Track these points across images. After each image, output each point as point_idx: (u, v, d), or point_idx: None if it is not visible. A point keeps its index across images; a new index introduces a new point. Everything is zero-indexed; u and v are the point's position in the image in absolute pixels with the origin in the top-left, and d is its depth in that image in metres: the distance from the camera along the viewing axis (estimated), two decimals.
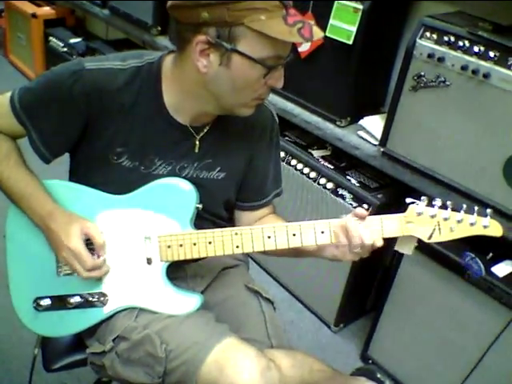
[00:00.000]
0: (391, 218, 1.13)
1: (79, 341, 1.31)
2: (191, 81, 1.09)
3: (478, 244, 1.69)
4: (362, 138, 2.01)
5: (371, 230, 1.11)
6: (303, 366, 1.21)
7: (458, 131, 1.64)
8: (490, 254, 1.69)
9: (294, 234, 1.14)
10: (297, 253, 1.23)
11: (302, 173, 2.19)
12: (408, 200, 1.13)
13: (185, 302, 1.21)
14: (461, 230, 1.11)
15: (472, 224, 1.10)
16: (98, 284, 1.21)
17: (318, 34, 1.02)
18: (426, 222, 1.12)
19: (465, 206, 1.11)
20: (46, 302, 1.22)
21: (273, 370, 1.11)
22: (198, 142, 1.21)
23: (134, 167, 1.18)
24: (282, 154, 2.26)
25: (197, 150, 1.21)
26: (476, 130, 1.60)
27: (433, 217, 1.11)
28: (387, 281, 1.95)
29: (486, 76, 1.53)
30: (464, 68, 1.57)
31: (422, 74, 1.67)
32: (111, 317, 1.22)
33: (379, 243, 1.12)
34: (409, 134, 1.78)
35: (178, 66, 1.11)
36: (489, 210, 1.10)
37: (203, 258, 1.28)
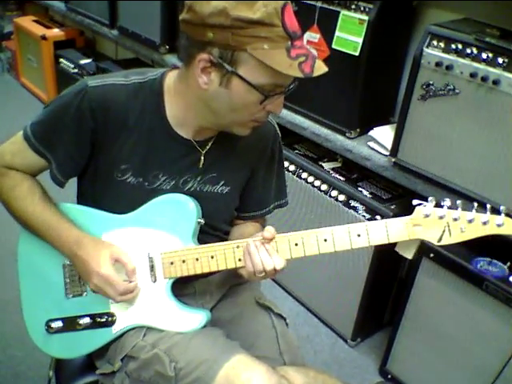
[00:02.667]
0: (397, 222, 1.09)
1: (91, 363, 1.30)
2: (193, 95, 1.10)
3: (495, 253, 1.67)
4: (373, 149, 1.99)
5: (272, 253, 1.10)
6: (317, 382, 1.19)
7: (470, 139, 1.62)
8: (508, 263, 1.65)
9: (296, 244, 1.13)
10: None
11: (313, 185, 2.17)
12: (414, 202, 1.09)
13: (190, 318, 1.20)
14: (472, 230, 1.05)
15: (485, 223, 1.04)
16: (106, 304, 1.21)
17: (319, 69, 1.02)
18: (434, 223, 1.07)
19: (476, 204, 1.05)
20: (57, 324, 1.23)
21: None
22: (202, 158, 1.21)
23: (138, 183, 1.19)
24: (293, 168, 2.26)
25: (201, 166, 1.22)
26: (488, 136, 1.58)
27: (441, 218, 1.06)
28: (403, 293, 1.91)
29: (496, 82, 1.51)
30: (473, 75, 1.55)
31: (431, 82, 1.66)
32: (120, 337, 1.22)
33: (280, 266, 1.10)
34: (420, 143, 1.76)
35: (182, 79, 1.12)
36: (503, 207, 1.04)
37: (212, 274, 1.29)
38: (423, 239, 1.09)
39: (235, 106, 1.06)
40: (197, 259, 1.16)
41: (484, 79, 1.53)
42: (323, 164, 2.24)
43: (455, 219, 1.06)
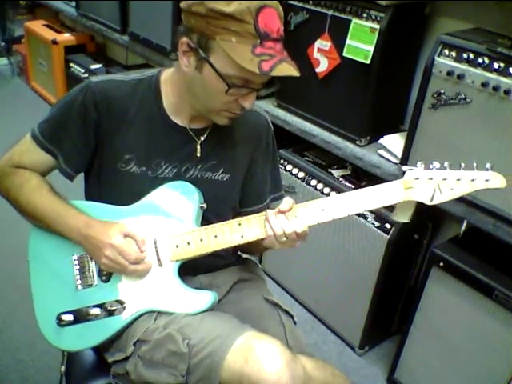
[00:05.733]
0: (389, 186, 1.14)
1: (102, 364, 1.31)
2: (181, 79, 1.20)
3: (506, 266, 1.67)
4: (383, 157, 1.99)
5: (293, 219, 1.14)
6: (326, 370, 1.21)
7: (481, 148, 1.62)
8: None
9: (296, 216, 1.16)
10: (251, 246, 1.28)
11: (323, 193, 2.17)
12: (404, 168, 1.14)
13: (198, 299, 1.22)
14: (462, 187, 1.12)
15: (473, 180, 1.11)
16: (115, 292, 1.24)
17: (283, 70, 1.06)
18: (425, 185, 1.13)
19: (463, 164, 1.12)
20: (68, 316, 1.25)
21: (298, 364, 1.11)
22: (199, 147, 1.27)
23: (142, 172, 1.25)
24: (302, 175, 2.26)
25: (198, 155, 1.27)
26: (499, 146, 1.57)
27: (431, 179, 1.12)
28: (412, 302, 1.91)
29: (507, 92, 1.51)
30: (484, 85, 1.55)
31: (442, 91, 1.66)
32: (131, 324, 1.24)
33: (300, 229, 1.14)
34: (430, 152, 1.76)
35: (177, 66, 1.21)
36: (489, 164, 1.10)
37: (217, 270, 1.36)
38: (416, 200, 1.14)
39: (206, 91, 1.14)
40: (201, 240, 1.20)
41: (495, 89, 1.53)
42: (333, 171, 2.24)
43: (444, 179, 1.12)
